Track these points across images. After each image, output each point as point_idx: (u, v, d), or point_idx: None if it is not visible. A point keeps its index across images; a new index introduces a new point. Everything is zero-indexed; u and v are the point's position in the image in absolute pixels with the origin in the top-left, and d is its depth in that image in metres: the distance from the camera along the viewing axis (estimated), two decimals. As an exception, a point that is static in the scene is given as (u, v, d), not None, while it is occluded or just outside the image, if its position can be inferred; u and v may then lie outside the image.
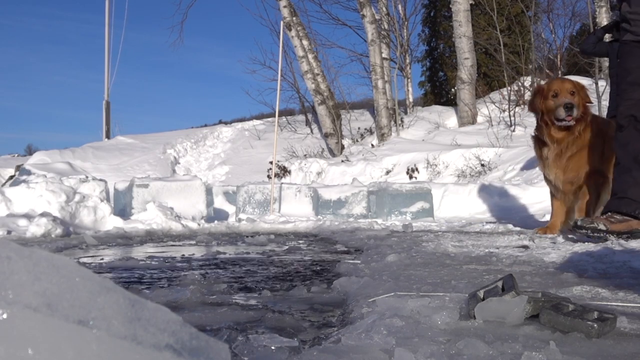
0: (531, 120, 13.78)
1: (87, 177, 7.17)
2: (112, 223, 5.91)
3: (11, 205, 5.63)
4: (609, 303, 1.46)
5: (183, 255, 3.66)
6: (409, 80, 19.66)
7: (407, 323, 1.20)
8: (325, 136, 16.69)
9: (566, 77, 4.87)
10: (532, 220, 6.02)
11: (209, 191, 7.60)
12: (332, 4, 24.11)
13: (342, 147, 16.25)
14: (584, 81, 9.25)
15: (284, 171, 14.52)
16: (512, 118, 13.85)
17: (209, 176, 15.04)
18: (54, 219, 5.24)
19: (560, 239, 3.49)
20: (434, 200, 7.89)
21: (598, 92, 11.37)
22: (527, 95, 15.02)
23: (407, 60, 19.69)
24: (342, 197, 8.14)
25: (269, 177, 13.65)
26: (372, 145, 15.66)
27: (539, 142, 4.33)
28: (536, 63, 16.10)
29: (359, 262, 2.67)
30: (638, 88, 3.30)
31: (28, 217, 5.29)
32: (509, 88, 14.85)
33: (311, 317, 1.63)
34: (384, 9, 18.45)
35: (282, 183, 8.69)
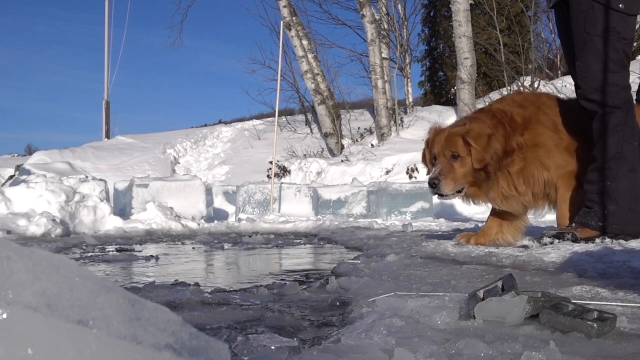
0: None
1: (87, 177, 7.18)
2: (112, 223, 5.91)
3: (11, 205, 5.63)
4: (609, 303, 1.46)
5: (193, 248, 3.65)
6: (409, 80, 19.66)
7: (407, 323, 1.20)
8: (325, 136, 16.69)
9: (450, 128, 3.16)
10: (531, 219, 6.02)
11: (209, 191, 7.60)
12: (332, 4, 24.09)
13: (342, 147, 16.25)
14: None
15: (284, 171, 14.52)
16: (512, 118, 13.85)
17: (209, 176, 15.04)
18: (54, 219, 5.24)
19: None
20: (434, 200, 7.88)
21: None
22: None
23: (407, 60, 19.69)
24: (342, 197, 8.14)
25: (269, 177, 13.65)
26: (372, 145, 15.66)
27: None
28: (536, 63, 16.10)
29: (359, 262, 2.67)
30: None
31: (28, 217, 5.29)
32: (509, 88, 14.85)
33: (311, 317, 1.63)
34: (384, 9, 18.45)
35: (282, 183, 8.69)
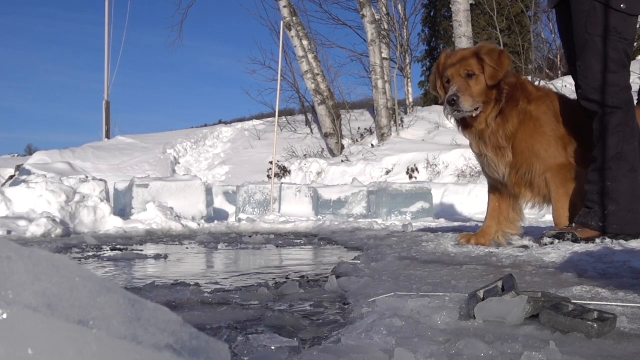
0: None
1: (87, 177, 7.18)
2: (112, 223, 5.91)
3: (11, 205, 5.63)
4: (609, 303, 1.46)
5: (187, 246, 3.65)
6: (409, 80, 19.67)
7: (407, 323, 1.20)
8: (325, 136, 16.69)
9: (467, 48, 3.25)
10: (532, 219, 6.02)
11: (209, 191, 7.60)
12: (332, 4, 24.10)
13: (342, 147, 16.25)
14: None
15: (284, 171, 14.52)
16: (512, 118, 13.85)
17: (209, 176, 15.04)
18: (54, 219, 5.24)
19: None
20: (434, 200, 7.89)
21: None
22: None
23: (407, 60, 19.70)
24: (342, 197, 8.14)
25: (269, 177, 13.65)
26: (372, 145, 15.66)
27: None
28: (536, 63, 16.11)
29: (359, 262, 2.67)
30: None
31: (28, 217, 5.29)
32: (509, 88, 14.85)
33: (311, 317, 1.63)
34: (384, 9, 18.45)
35: (282, 183, 8.69)
